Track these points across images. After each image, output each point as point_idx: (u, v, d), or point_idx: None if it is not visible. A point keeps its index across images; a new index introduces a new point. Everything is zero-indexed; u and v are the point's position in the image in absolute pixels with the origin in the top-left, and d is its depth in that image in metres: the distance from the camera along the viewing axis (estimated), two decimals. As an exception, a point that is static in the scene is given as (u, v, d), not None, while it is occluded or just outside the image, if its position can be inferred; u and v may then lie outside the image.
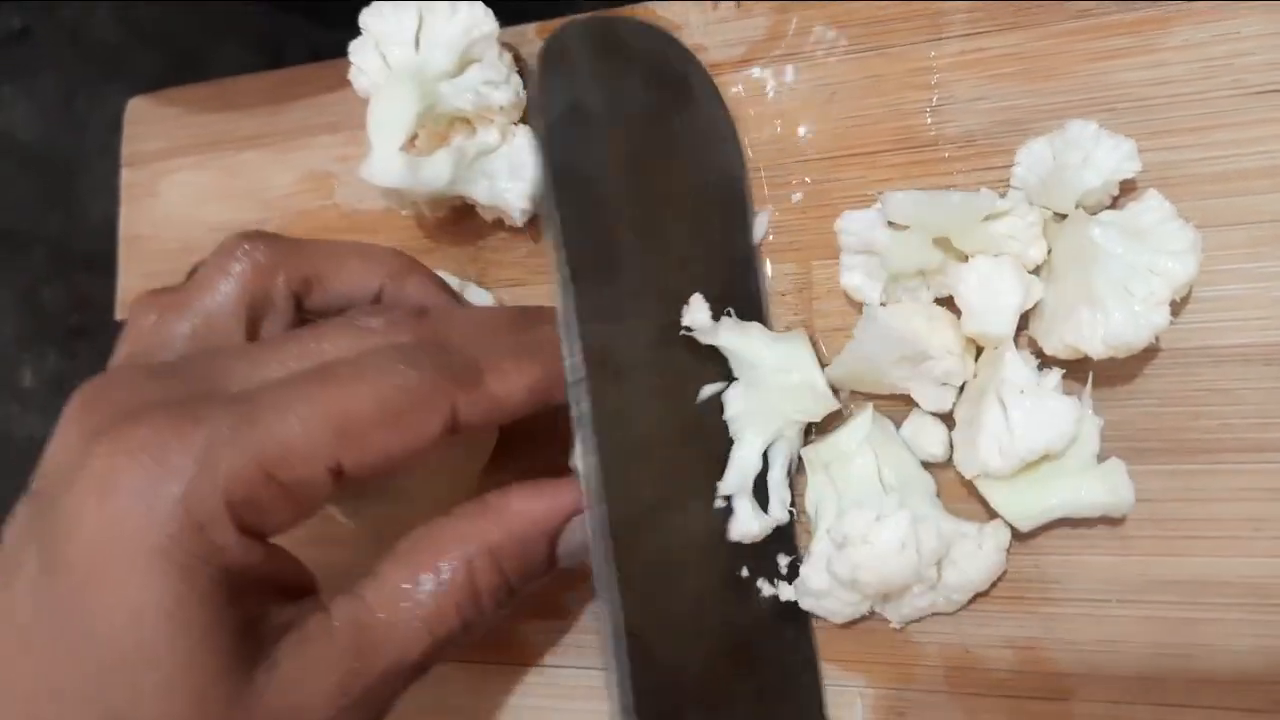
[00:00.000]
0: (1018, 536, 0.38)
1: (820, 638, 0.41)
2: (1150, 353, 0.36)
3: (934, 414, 0.39)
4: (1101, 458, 0.37)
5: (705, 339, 0.39)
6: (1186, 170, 0.37)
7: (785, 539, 0.41)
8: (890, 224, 0.38)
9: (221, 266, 0.38)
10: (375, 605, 0.34)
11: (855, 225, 0.39)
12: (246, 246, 0.38)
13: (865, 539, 0.36)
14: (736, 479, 0.39)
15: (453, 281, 0.45)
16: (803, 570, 0.39)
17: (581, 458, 0.36)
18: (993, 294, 0.36)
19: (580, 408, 0.36)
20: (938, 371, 0.37)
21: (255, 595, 0.33)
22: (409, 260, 0.41)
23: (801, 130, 0.43)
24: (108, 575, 0.30)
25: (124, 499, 0.30)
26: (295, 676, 0.32)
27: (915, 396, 0.38)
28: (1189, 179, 0.37)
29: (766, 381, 0.39)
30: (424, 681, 0.46)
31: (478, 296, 0.46)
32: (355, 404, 0.32)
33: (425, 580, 0.34)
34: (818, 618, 0.40)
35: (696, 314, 0.39)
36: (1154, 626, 0.37)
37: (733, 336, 0.39)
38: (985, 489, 0.37)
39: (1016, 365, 0.36)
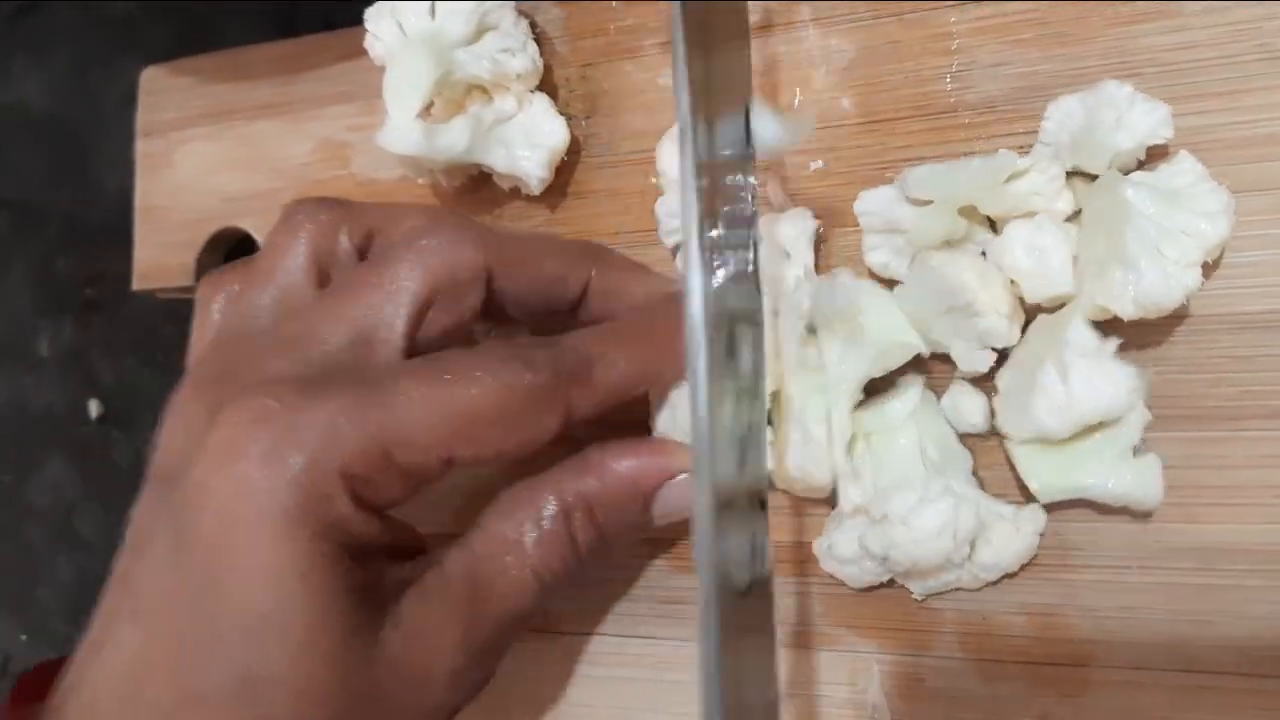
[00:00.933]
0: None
1: (835, 603, 0.41)
2: (1171, 319, 0.36)
3: (969, 379, 0.39)
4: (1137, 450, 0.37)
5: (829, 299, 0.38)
6: (1211, 135, 0.37)
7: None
8: (911, 200, 0.38)
9: (290, 231, 0.39)
10: (484, 555, 0.35)
11: (875, 205, 0.39)
12: (310, 208, 0.39)
13: (905, 521, 0.36)
14: (840, 446, 0.37)
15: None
16: (831, 538, 0.38)
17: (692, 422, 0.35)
18: (1042, 254, 0.36)
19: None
20: (981, 328, 0.36)
21: (374, 559, 0.34)
22: (460, 215, 0.41)
23: (819, 96, 0.43)
24: (239, 541, 0.31)
25: (251, 467, 0.31)
26: (420, 630, 0.34)
27: (954, 355, 0.37)
28: (1214, 144, 0.37)
29: (868, 342, 0.38)
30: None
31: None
32: (475, 402, 0.33)
33: (529, 529, 0.36)
34: (832, 582, 0.40)
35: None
36: (1172, 593, 0.37)
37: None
38: (1018, 455, 0.37)
39: (1081, 327, 0.35)
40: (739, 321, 0.35)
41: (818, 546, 0.40)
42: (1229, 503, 0.36)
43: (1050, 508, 0.38)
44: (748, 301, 0.36)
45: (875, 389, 0.40)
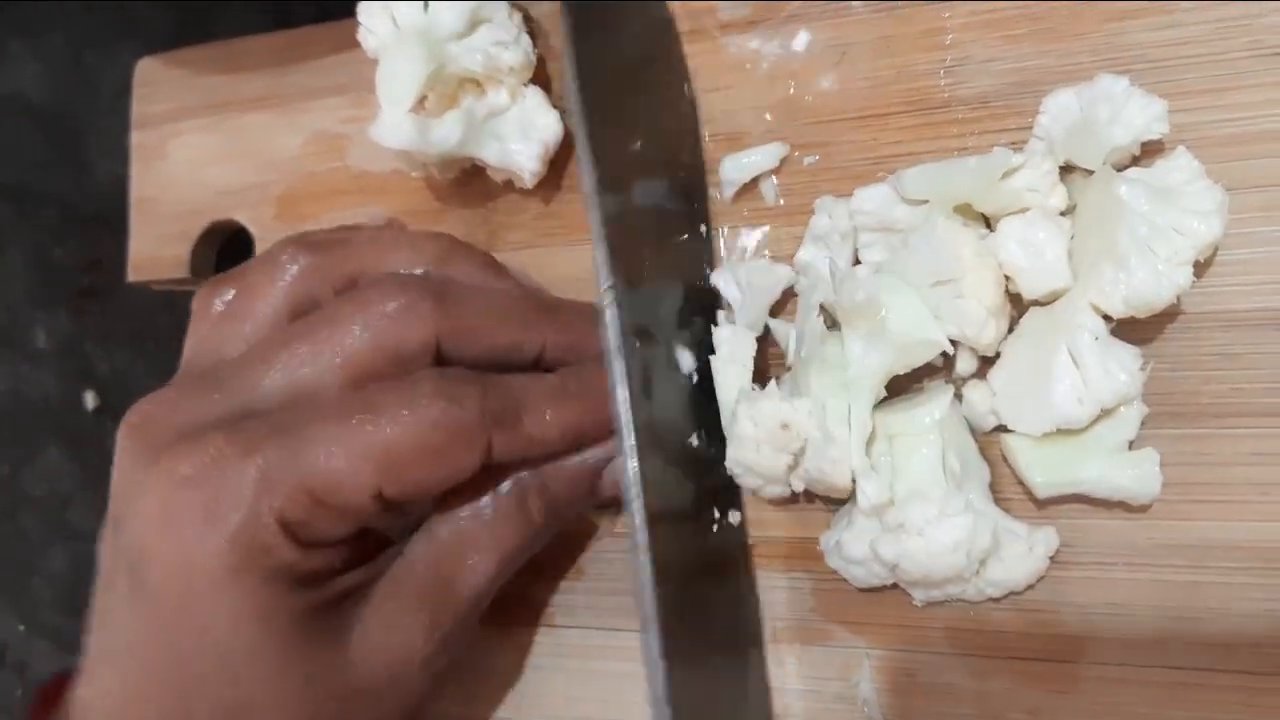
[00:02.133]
0: (1030, 500, 0.38)
1: (829, 599, 0.41)
2: (1163, 316, 0.36)
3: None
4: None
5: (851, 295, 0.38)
6: (1203, 132, 0.37)
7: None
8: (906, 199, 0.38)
9: (270, 275, 0.39)
10: (446, 540, 0.37)
11: (870, 204, 0.39)
12: (293, 251, 0.39)
13: (921, 532, 0.35)
14: (859, 444, 0.37)
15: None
16: (841, 536, 0.38)
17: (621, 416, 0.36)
18: (1037, 250, 0.36)
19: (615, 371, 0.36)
20: (961, 310, 0.36)
21: (338, 575, 0.36)
22: (453, 243, 0.41)
23: (812, 92, 0.43)
24: (194, 595, 0.33)
25: (188, 530, 0.33)
26: (390, 625, 0.36)
27: (949, 333, 0.37)
28: (1205, 141, 0.37)
29: (889, 339, 0.37)
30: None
31: None
32: (397, 440, 0.34)
33: (485, 504, 0.37)
34: (828, 577, 0.40)
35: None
36: (1161, 590, 0.37)
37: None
38: (1019, 452, 0.37)
39: (1087, 311, 0.35)
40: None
41: (824, 542, 0.40)
42: (1218, 500, 0.36)
43: (1042, 504, 0.38)
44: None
45: (897, 388, 0.39)
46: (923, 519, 0.35)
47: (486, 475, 0.37)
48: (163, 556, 0.33)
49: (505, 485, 0.38)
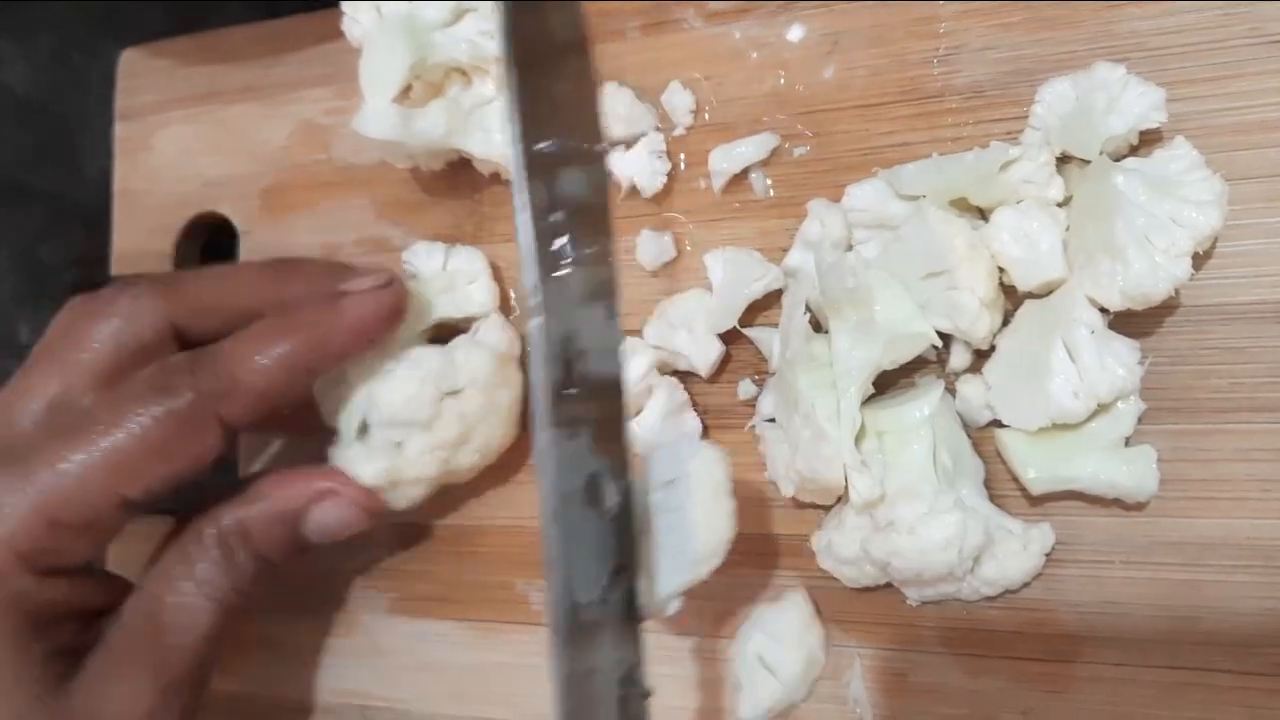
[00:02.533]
0: (1025, 496, 0.37)
1: (820, 597, 0.40)
2: (1160, 309, 0.35)
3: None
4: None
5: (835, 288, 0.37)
6: (1201, 122, 0.36)
7: None
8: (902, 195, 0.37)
9: (92, 327, 0.39)
10: (159, 591, 0.37)
11: (864, 200, 0.38)
12: (123, 300, 0.39)
13: (912, 530, 0.35)
14: (848, 437, 0.36)
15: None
16: (832, 536, 0.37)
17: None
18: (1030, 240, 0.35)
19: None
20: (954, 301, 0.35)
21: (70, 620, 0.36)
22: (278, 264, 0.42)
23: (804, 82, 0.42)
24: None
25: None
26: (108, 677, 0.36)
27: (941, 325, 0.36)
28: (1204, 131, 0.36)
29: (876, 332, 0.37)
30: (425, 638, 0.46)
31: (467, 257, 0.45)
32: (121, 446, 0.35)
33: (194, 557, 0.38)
34: (820, 577, 0.40)
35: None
36: (1158, 588, 0.36)
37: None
38: (1013, 447, 0.37)
39: (1084, 304, 0.35)
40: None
41: (816, 543, 0.39)
42: (1216, 496, 0.36)
43: (1037, 501, 0.37)
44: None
45: (888, 384, 0.39)
46: (913, 516, 0.35)
47: (194, 525, 0.38)
48: None
49: (210, 536, 0.38)
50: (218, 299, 0.40)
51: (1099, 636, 0.37)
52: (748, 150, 0.42)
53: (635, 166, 0.43)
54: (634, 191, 0.44)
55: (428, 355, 0.40)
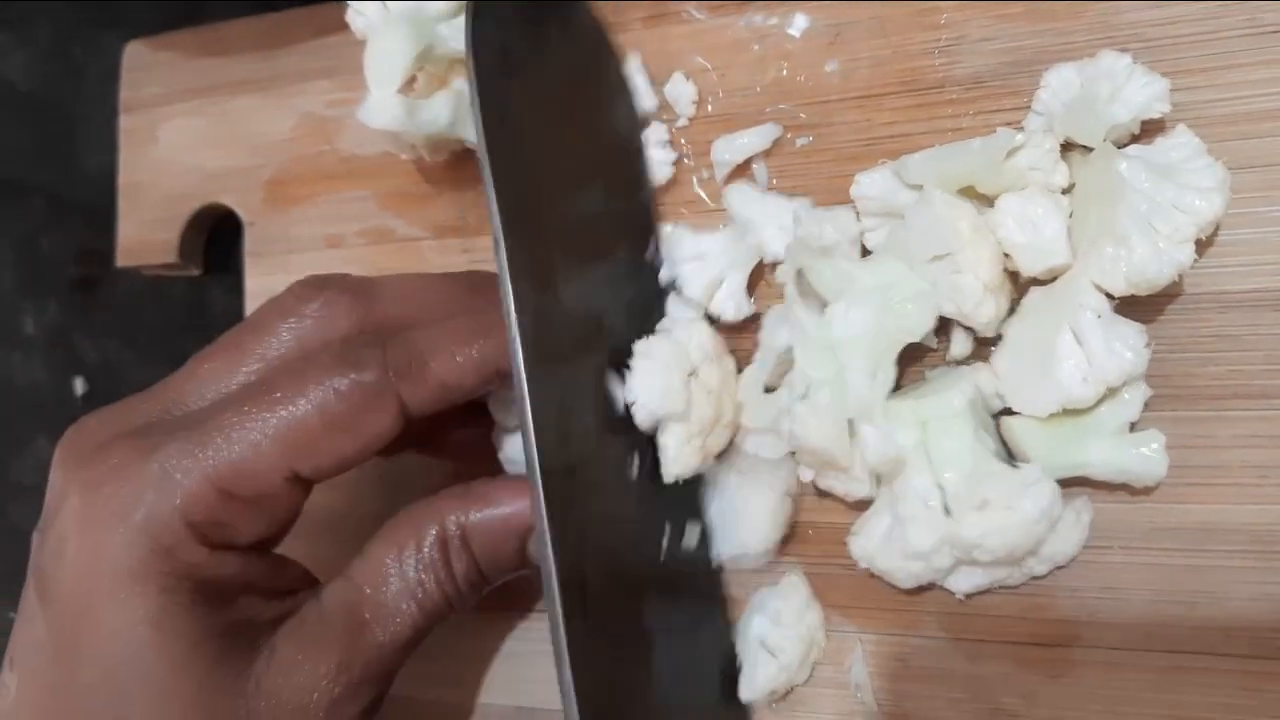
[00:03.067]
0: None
1: (818, 585, 0.40)
2: (1160, 297, 0.36)
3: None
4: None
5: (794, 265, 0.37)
6: (1199, 112, 0.36)
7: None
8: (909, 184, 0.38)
9: (282, 323, 0.36)
10: (364, 583, 0.36)
11: (872, 189, 0.38)
12: (318, 302, 0.37)
13: (1009, 506, 0.34)
14: (856, 405, 0.36)
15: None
16: (901, 532, 0.37)
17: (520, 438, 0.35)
18: (1035, 227, 0.36)
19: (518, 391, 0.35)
20: (957, 285, 0.35)
21: (245, 596, 0.35)
22: (473, 275, 0.40)
23: (806, 73, 0.42)
24: (93, 600, 0.32)
25: (97, 530, 0.32)
26: (295, 659, 0.34)
27: (945, 310, 0.37)
28: (1201, 120, 0.36)
29: (869, 301, 0.37)
30: (436, 628, 0.46)
31: None
32: (299, 416, 0.33)
33: (408, 555, 0.36)
34: (822, 563, 0.40)
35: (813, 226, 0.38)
36: (1157, 574, 0.36)
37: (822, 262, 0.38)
38: (1021, 434, 0.37)
39: (1089, 290, 0.35)
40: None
41: (858, 547, 0.38)
42: (1215, 483, 0.36)
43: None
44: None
45: (906, 380, 0.39)
46: (1007, 492, 0.35)
47: (412, 519, 0.37)
48: (71, 558, 0.32)
49: (430, 536, 0.36)
50: (413, 305, 0.37)
51: (1098, 622, 0.37)
52: (750, 141, 0.42)
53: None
54: None
55: (651, 345, 0.38)
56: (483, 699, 0.46)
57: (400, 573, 0.36)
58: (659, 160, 0.43)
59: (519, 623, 0.46)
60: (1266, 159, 0.36)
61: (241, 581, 0.35)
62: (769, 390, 0.40)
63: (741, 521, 0.40)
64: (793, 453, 0.39)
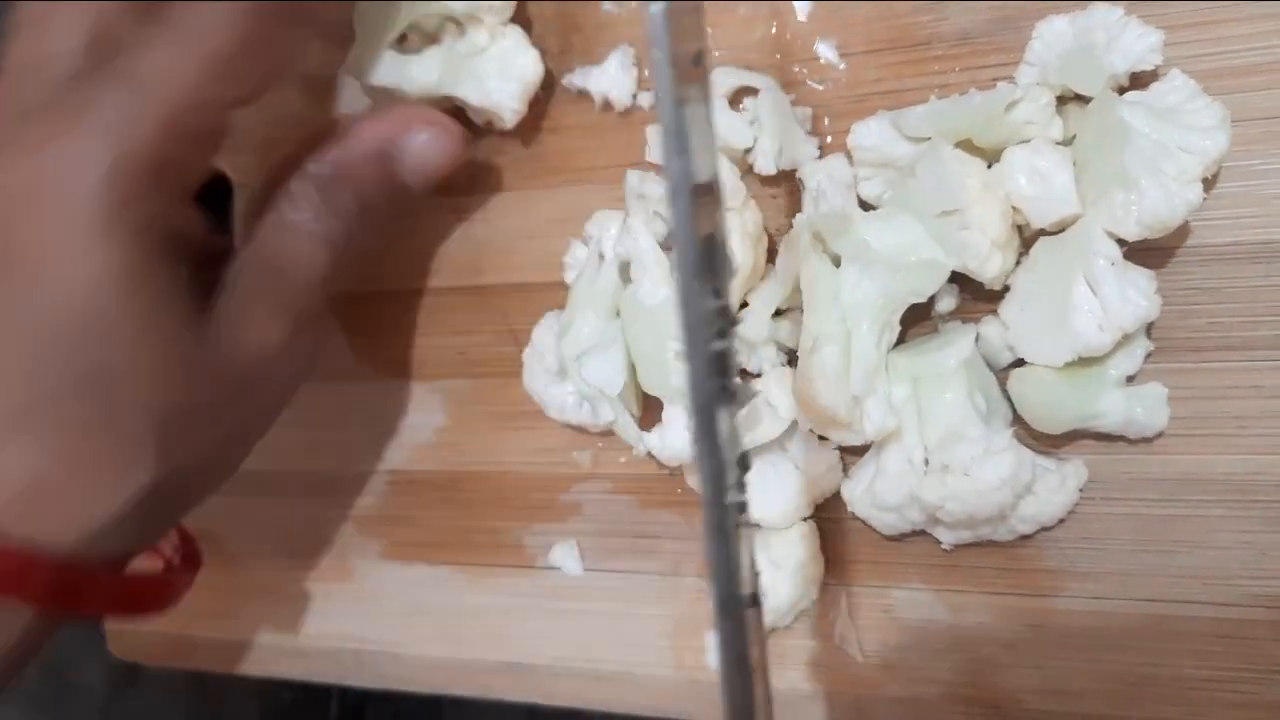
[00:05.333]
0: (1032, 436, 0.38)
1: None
2: (1140, 252, 0.36)
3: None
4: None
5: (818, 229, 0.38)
6: (1186, 66, 0.36)
7: None
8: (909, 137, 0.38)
9: None
10: (272, 233, 0.39)
11: (870, 139, 0.39)
12: None
13: (967, 472, 0.35)
14: (862, 377, 0.37)
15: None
16: (874, 483, 0.38)
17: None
18: (1043, 178, 0.36)
19: None
20: (965, 240, 0.35)
21: (193, 254, 0.38)
22: None
23: (792, 31, 0.42)
24: (64, 256, 0.33)
25: (52, 193, 0.33)
26: (242, 313, 0.38)
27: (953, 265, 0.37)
28: (1189, 75, 0.36)
29: (882, 263, 0.37)
30: (417, 583, 0.47)
31: None
32: (216, 39, 0.35)
33: (303, 200, 0.40)
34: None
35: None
36: (1136, 524, 0.37)
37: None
38: (1026, 387, 0.37)
39: (1101, 237, 0.35)
40: None
41: (848, 491, 0.39)
42: (1195, 433, 0.36)
43: (1053, 440, 0.38)
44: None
45: (916, 324, 0.39)
46: (968, 458, 0.35)
47: (302, 170, 0.40)
48: (27, 223, 0.33)
49: (312, 180, 0.40)
50: None
51: (1079, 572, 0.38)
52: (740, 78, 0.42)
53: (607, 80, 0.44)
54: (608, 106, 0.45)
55: None
56: (469, 655, 0.47)
57: (297, 220, 0.39)
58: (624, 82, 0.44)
59: (505, 579, 0.46)
60: (1246, 113, 0.36)
61: (191, 230, 0.38)
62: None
63: (770, 496, 0.40)
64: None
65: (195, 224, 0.39)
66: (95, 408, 0.34)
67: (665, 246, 0.40)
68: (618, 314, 0.41)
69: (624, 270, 0.40)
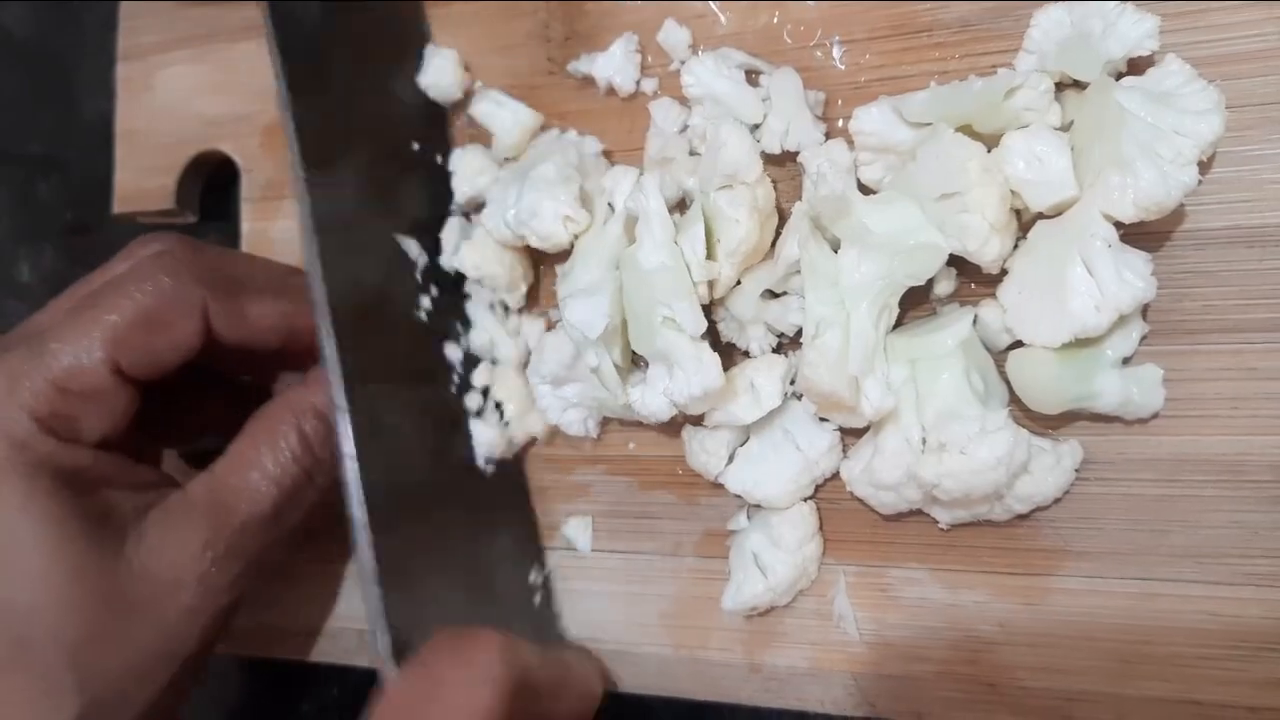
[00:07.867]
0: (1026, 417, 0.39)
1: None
2: (1136, 235, 0.36)
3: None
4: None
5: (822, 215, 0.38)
6: (1179, 54, 0.37)
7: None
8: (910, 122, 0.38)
9: (124, 261, 0.42)
10: (225, 474, 0.40)
11: (871, 124, 0.39)
12: (158, 243, 0.42)
13: (964, 451, 0.35)
14: (860, 358, 0.37)
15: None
16: (872, 462, 0.38)
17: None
18: (1042, 163, 0.36)
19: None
20: (963, 223, 0.36)
21: (106, 489, 0.39)
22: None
23: (793, 20, 0.43)
24: None
25: None
26: (164, 540, 0.38)
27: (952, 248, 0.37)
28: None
29: (881, 246, 0.37)
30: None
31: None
32: (117, 314, 0.38)
33: (264, 446, 0.41)
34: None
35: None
36: (1131, 504, 0.38)
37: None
38: (1023, 368, 0.37)
39: (1098, 220, 0.35)
40: None
41: (846, 470, 0.40)
42: (1188, 414, 0.37)
43: (1049, 421, 0.38)
44: None
45: (909, 314, 0.40)
46: (964, 437, 0.36)
47: (268, 411, 0.42)
48: None
49: (286, 420, 0.41)
50: (240, 267, 0.43)
51: (1074, 551, 0.38)
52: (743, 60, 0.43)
53: (612, 66, 0.45)
54: (611, 92, 0.45)
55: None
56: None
57: (257, 460, 0.40)
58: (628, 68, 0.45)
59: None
60: (1241, 100, 0.37)
61: (97, 474, 0.39)
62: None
63: (771, 476, 0.41)
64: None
65: (114, 464, 0.40)
66: (4, 646, 0.36)
67: (673, 209, 0.41)
68: (618, 266, 0.41)
69: (629, 227, 0.41)
